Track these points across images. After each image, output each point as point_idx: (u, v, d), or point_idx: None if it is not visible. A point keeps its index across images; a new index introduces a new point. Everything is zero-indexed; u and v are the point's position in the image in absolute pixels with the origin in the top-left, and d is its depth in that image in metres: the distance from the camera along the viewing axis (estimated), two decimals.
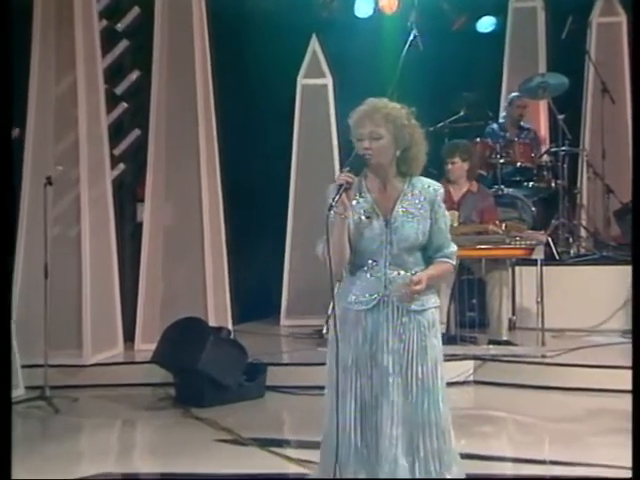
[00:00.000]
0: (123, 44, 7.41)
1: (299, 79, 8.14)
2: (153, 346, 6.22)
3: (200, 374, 5.79)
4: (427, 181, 3.33)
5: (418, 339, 3.27)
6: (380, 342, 3.26)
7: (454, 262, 3.36)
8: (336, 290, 3.28)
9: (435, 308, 3.34)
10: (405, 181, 3.31)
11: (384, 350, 3.25)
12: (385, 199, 3.31)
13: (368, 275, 3.28)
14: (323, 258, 3.21)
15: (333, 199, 3.14)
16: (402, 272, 3.26)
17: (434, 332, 3.30)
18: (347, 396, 3.26)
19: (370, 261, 3.28)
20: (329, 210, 3.14)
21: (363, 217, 3.27)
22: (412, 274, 3.25)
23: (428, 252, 3.32)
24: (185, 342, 5.93)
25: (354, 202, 3.29)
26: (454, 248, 3.36)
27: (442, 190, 3.34)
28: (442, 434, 3.29)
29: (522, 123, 8.69)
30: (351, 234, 3.25)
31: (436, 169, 7.53)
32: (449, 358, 6.35)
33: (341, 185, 3.17)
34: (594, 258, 7.91)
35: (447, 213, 3.36)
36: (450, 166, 6.84)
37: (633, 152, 4.70)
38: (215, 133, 7.28)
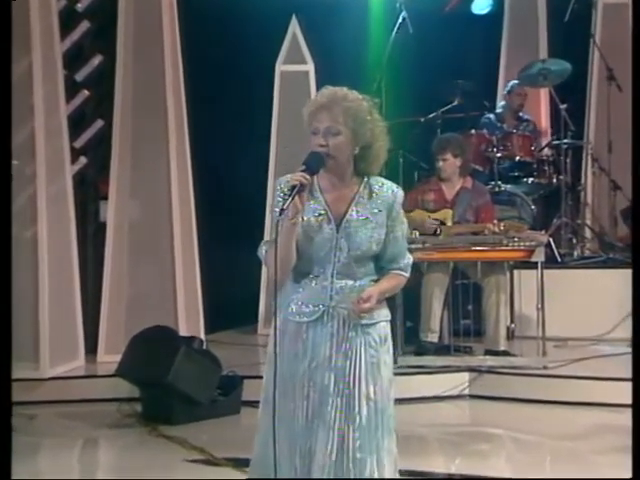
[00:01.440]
0: (84, 26, 7.38)
1: (277, 65, 8.13)
2: (118, 358, 6.20)
3: (169, 388, 5.78)
4: (386, 183, 3.25)
5: (367, 356, 3.19)
6: (321, 358, 3.16)
7: (408, 275, 3.29)
8: (278, 300, 3.19)
9: (386, 322, 3.26)
10: (362, 181, 3.23)
11: (325, 367, 3.16)
12: (338, 201, 3.22)
13: (313, 284, 3.20)
14: (266, 263, 3.19)
15: (284, 202, 3.06)
16: (350, 282, 3.19)
17: (386, 348, 3.24)
18: (282, 417, 3.16)
19: (316, 268, 3.19)
20: (280, 214, 3.06)
21: (312, 220, 3.19)
22: (360, 285, 3.19)
23: (381, 262, 3.24)
24: (153, 353, 5.91)
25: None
26: (410, 259, 3.30)
27: (401, 193, 3.24)
28: (394, 462, 3.21)
29: (521, 114, 8.74)
30: (298, 238, 3.17)
31: (428, 164, 7.56)
32: (442, 370, 6.41)
33: (294, 186, 3.08)
34: (599, 261, 7.95)
35: (405, 220, 3.28)
36: (441, 163, 6.86)
37: (633, 153, 4.71)
38: (186, 124, 7.27)
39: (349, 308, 3.17)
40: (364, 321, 3.19)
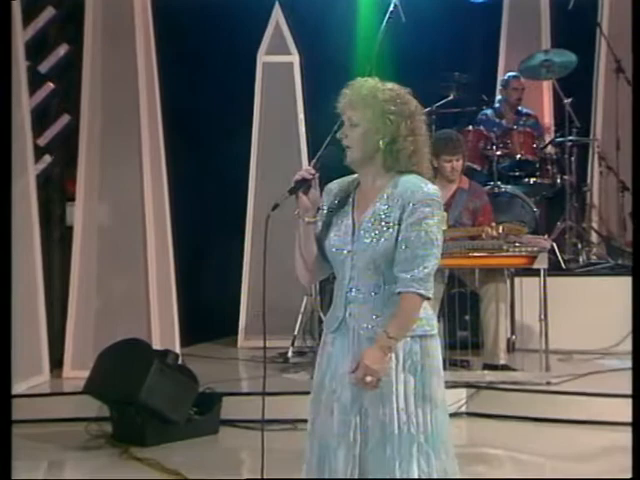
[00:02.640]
0: (49, 12, 7.36)
1: (259, 56, 8.14)
2: (85, 373, 6.20)
3: (142, 407, 5.77)
4: (412, 180, 3.18)
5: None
6: (340, 374, 3.22)
7: (425, 290, 3.12)
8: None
9: (419, 337, 3.17)
10: (390, 179, 3.23)
11: (343, 384, 3.20)
12: (365, 199, 3.25)
13: (339, 291, 3.27)
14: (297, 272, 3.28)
15: (288, 195, 3.14)
16: (365, 292, 3.20)
17: (409, 365, 3.16)
18: (313, 433, 3.26)
19: (340, 273, 3.26)
20: (273, 209, 3.15)
21: (336, 219, 3.26)
22: (373, 296, 3.18)
23: (394, 270, 3.16)
24: (124, 369, 5.91)
25: (336, 201, 3.29)
26: (427, 270, 3.12)
27: (428, 193, 3.16)
28: None
29: (520, 108, 8.75)
30: (322, 238, 3.26)
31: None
32: None
33: (298, 181, 3.17)
34: (607, 267, 7.98)
35: (431, 223, 3.14)
36: (454, 164, 6.80)
37: (633, 155, 4.73)
38: (160, 120, 7.27)
39: (360, 323, 3.18)
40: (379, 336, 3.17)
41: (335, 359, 3.25)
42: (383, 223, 3.17)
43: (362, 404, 3.18)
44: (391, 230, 3.16)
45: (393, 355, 3.14)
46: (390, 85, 3.21)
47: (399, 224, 3.15)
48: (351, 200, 3.29)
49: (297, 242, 3.25)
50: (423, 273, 3.11)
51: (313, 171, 3.20)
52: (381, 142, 3.18)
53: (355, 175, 3.31)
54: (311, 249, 3.26)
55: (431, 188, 3.18)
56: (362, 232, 3.20)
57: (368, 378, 3.09)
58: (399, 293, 3.14)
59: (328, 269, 3.33)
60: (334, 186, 3.35)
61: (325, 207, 3.30)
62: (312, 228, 3.23)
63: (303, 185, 3.18)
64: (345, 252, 3.22)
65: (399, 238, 3.14)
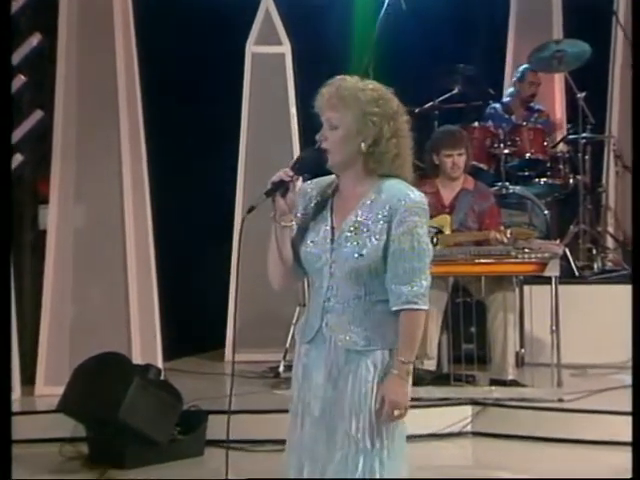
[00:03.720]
0: None
1: (248, 46, 8.13)
2: (60, 390, 6.18)
3: (121, 426, 5.76)
4: (399, 187, 3.23)
5: (355, 386, 3.23)
6: (314, 386, 3.30)
7: (421, 305, 3.20)
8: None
9: (388, 350, 3.24)
10: (373, 183, 3.27)
11: (316, 396, 3.29)
12: (344, 205, 3.30)
13: (315, 300, 3.32)
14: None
15: (265, 197, 3.20)
16: (340, 305, 3.25)
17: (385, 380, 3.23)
18: (290, 447, 3.35)
19: (318, 282, 3.31)
20: (248, 211, 3.20)
21: (313, 225, 3.31)
22: (352, 306, 3.23)
23: (386, 283, 3.23)
24: (101, 385, 5.90)
25: (312, 204, 3.34)
26: (423, 284, 3.20)
27: (416, 200, 3.21)
28: None
29: (532, 104, 8.76)
30: (298, 244, 3.31)
31: (422, 161, 7.56)
32: (440, 403, 6.40)
33: (276, 183, 3.22)
34: (623, 275, 7.97)
35: (421, 232, 3.20)
36: (456, 158, 6.83)
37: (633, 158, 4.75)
38: (141, 117, 7.26)
39: (337, 334, 3.24)
40: (357, 347, 3.24)
41: (310, 371, 3.32)
42: (366, 231, 3.22)
43: (332, 418, 3.25)
44: (375, 240, 3.21)
45: (371, 367, 3.23)
46: (371, 84, 3.27)
47: (387, 234, 3.20)
48: (330, 204, 3.33)
49: (272, 246, 3.30)
50: (424, 287, 3.21)
51: (291, 173, 3.24)
52: (363, 145, 3.23)
53: (333, 176, 3.35)
54: (286, 254, 3.31)
55: (417, 195, 3.23)
56: (342, 240, 3.25)
57: (396, 412, 3.19)
58: (399, 310, 3.20)
59: (302, 275, 3.39)
60: (310, 187, 3.39)
61: (300, 210, 3.34)
62: (288, 232, 3.28)
63: (281, 187, 3.23)
64: (323, 259, 3.27)
65: (390, 250, 3.20)
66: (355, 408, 3.22)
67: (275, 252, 3.30)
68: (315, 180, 3.39)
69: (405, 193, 3.21)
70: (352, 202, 3.28)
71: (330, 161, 3.25)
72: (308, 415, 3.30)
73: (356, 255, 3.21)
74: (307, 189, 3.38)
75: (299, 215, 3.34)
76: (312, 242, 3.29)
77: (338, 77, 3.29)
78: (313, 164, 3.28)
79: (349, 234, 3.24)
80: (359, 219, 3.24)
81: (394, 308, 3.20)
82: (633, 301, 4.43)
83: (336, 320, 3.25)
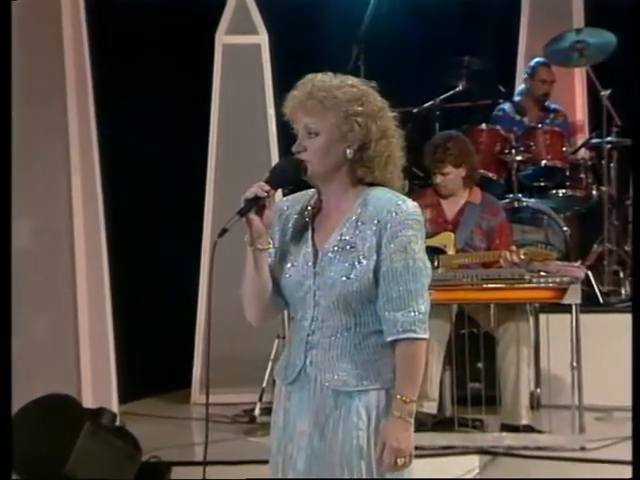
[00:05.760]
0: None
1: (218, 36, 8.14)
2: None
3: None
4: (388, 197, 3.22)
5: (347, 435, 3.20)
6: (297, 434, 3.28)
7: (422, 334, 3.17)
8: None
9: (384, 390, 3.22)
10: (358, 194, 3.26)
11: (300, 447, 3.26)
12: (327, 221, 3.29)
13: (297, 334, 3.30)
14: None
15: (238, 217, 3.17)
16: (327, 339, 3.23)
17: (383, 425, 3.19)
18: None
19: (300, 313, 3.29)
20: (220, 235, 3.16)
21: (291, 248, 3.29)
22: (341, 339, 3.21)
23: (379, 310, 3.21)
24: (46, 433, 5.88)
25: (289, 224, 3.32)
26: (422, 309, 3.18)
27: (409, 210, 3.20)
28: None
29: (548, 103, 8.78)
30: (276, 271, 3.30)
31: (422, 170, 7.57)
32: (443, 452, 6.39)
33: (249, 200, 3.19)
34: None
35: (417, 248, 3.19)
36: (439, 178, 6.88)
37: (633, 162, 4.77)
38: (93, 115, 7.25)
39: (323, 373, 3.22)
40: (347, 388, 3.21)
41: (293, 417, 3.30)
42: (354, 252, 3.20)
43: (320, 474, 3.23)
44: (365, 261, 3.19)
45: (363, 411, 3.19)
46: (350, 80, 3.27)
47: (377, 253, 3.18)
48: (310, 223, 3.31)
49: (247, 274, 3.28)
50: (422, 312, 3.17)
51: (267, 187, 3.20)
52: (349, 151, 3.22)
53: (312, 190, 3.34)
54: (263, 283, 3.28)
55: (410, 205, 3.21)
56: (326, 263, 3.23)
57: (400, 460, 3.14)
58: (395, 341, 3.17)
59: (281, 306, 3.37)
60: (286, 205, 3.38)
61: (277, 231, 3.33)
62: (265, 257, 3.26)
63: (255, 205, 3.19)
64: (305, 287, 3.25)
65: (382, 270, 3.18)
66: (347, 462, 3.19)
67: (251, 281, 3.28)
68: (291, 196, 3.38)
69: (395, 204, 3.19)
70: (336, 218, 3.27)
71: (310, 172, 3.23)
72: (291, 470, 3.27)
73: (343, 279, 3.18)
74: (283, 207, 3.37)
75: (276, 237, 3.33)
76: (292, 267, 3.27)
77: (309, 76, 3.27)
78: (292, 175, 3.25)
79: (333, 255, 3.22)
80: (344, 237, 3.22)
81: (389, 338, 3.17)
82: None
83: (322, 357, 3.23)
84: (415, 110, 8.21)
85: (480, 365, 6.84)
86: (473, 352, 6.71)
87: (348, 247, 3.21)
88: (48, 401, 6.08)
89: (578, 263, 6.98)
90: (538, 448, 6.40)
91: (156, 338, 8.02)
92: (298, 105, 3.23)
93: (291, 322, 3.36)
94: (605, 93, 8.32)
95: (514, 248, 6.60)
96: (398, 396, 3.16)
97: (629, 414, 7.15)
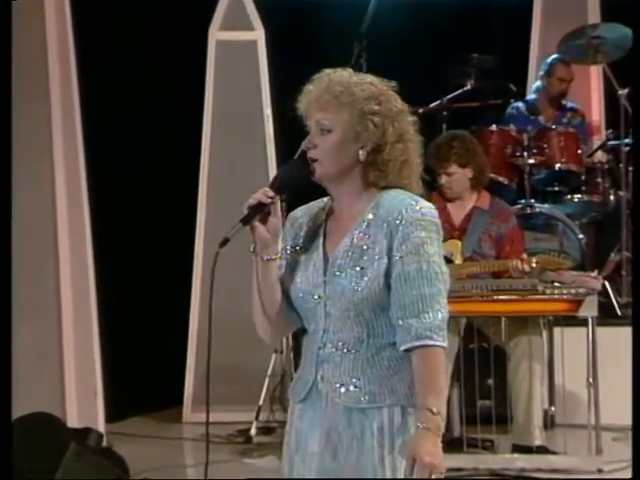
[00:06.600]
0: None
1: (211, 32, 8.15)
2: None
3: None
4: (400, 198, 3.21)
5: (361, 456, 3.18)
6: (308, 455, 3.26)
7: (441, 342, 3.14)
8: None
9: (399, 407, 3.19)
10: (371, 198, 3.25)
11: (311, 467, 3.25)
12: (339, 226, 3.28)
13: (309, 349, 3.29)
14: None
15: (241, 225, 3.16)
16: (339, 352, 3.21)
17: (399, 445, 3.16)
18: None
19: (312, 325, 3.28)
20: (221, 245, 3.15)
21: (305, 256, 3.28)
22: (353, 352, 3.19)
23: (392, 319, 3.18)
24: (29, 454, 5.84)
25: (302, 232, 3.31)
26: (440, 315, 3.16)
27: (422, 211, 3.18)
28: None
29: (564, 102, 8.77)
30: (286, 281, 3.29)
31: (428, 173, 7.55)
32: (452, 475, 6.38)
33: (253, 207, 3.18)
34: None
35: (431, 251, 3.17)
36: (444, 178, 6.88)
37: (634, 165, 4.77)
38: (78, 114, 7.27)
39: (334, 389, 3.20)
40: (360, 405, 3.19)
41: (305, 437, 3.27)
42: (365, 257, 3.19)
43: None
44: (376, 265, 3.17)
45: (375, 429, 3.17)
46: (369, 78, 3.26)
47: (388, 256, 3.16)
48: (322, 230, 3.30)
49: (254, 287, 3.26)
50: (439, 318, 3.14)
51: (272, 193, 3.20)
52: (362, 152, 3.21)
53: (326, 198, 3.33)
54: (273, 296, 3.27)
55: (425, 205, 3.19)
56: (336, 270, 3.21)
57: (434, 477, 3.08)
58: (410, 350, 3.13)
59: (296, 321, 3.35)
60: (300, 214, 3.37)
61: (289, 242, 3.32)
62: (274, 268, 3.24)
63: (260, 212, 3.18)
64: (316, 297, 3.24)
65: (393, 274, 3.15)
66: None
67: (259, 295, 3.26)
68: (305, 206, 3.37)
69: (407, 203, 3.18)
70: (347, 223, 3.25)
71: (320, 172, 3.22)
72: None
73: (354, 286, 3.17)
74: (296, 216, 3.36)
75: (288, 248, 3.32)
76: (302, 276, 3.27)
77: (327, 70, 3.27)
78: (298, 180, 3.24)
79: (343, 262, 3.20)
80: (355, 242, 3.21)
81: (402, 347, 3.14)
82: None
83: (334, 372, 3.21)
84: (421, 110, 8.17)
85: (490, 382, 6.86)
86: (483, 368, 6.73)
87: (359, 252, 3.20)
88: (30, 420, 6.07)
89: (594, 273, 6.99)
90: (552, 470, 6.41)
91: (145, 353, 8.02)
92: (313, 100, 3.22)
93: (305, 336, 3.34)
94: (623, 92, 8.31)
95: (525, 257, 6.61)
96: (426, 407, 3.09)
97: None
